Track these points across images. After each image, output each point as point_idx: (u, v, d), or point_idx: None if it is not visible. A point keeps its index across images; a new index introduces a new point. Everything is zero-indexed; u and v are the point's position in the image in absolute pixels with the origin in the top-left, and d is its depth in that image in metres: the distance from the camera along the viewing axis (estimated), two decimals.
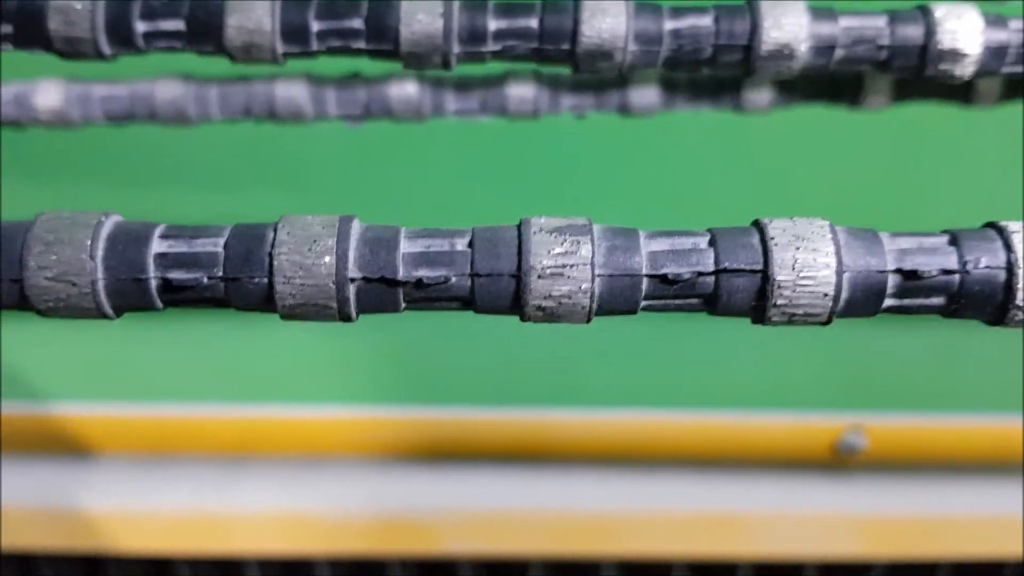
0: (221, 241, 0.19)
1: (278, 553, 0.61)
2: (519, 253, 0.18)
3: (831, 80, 0.38)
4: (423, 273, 0.18)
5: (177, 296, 0.19)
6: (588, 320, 0.19)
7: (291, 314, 0.19)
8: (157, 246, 0.19)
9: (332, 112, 0.39)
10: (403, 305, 0.19)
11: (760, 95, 0.39)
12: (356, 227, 0.19)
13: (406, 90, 0.39)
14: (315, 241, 0.18)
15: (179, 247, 0.19)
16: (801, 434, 0.62)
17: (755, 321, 0.19)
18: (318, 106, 0.39)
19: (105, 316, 0.19)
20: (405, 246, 0.19)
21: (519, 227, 0.19)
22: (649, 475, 0.62)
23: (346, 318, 0.19)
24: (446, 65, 0.27)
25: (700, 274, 0.18)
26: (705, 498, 0.62)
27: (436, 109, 0.39)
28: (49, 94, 0.39)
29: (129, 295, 0.19)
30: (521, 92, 0.39)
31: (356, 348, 0.62)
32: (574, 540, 0.62)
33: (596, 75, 0.36)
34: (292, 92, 0.39)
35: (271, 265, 0.18)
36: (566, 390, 0.62)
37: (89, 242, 0.18)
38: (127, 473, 0.62)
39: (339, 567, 0.63)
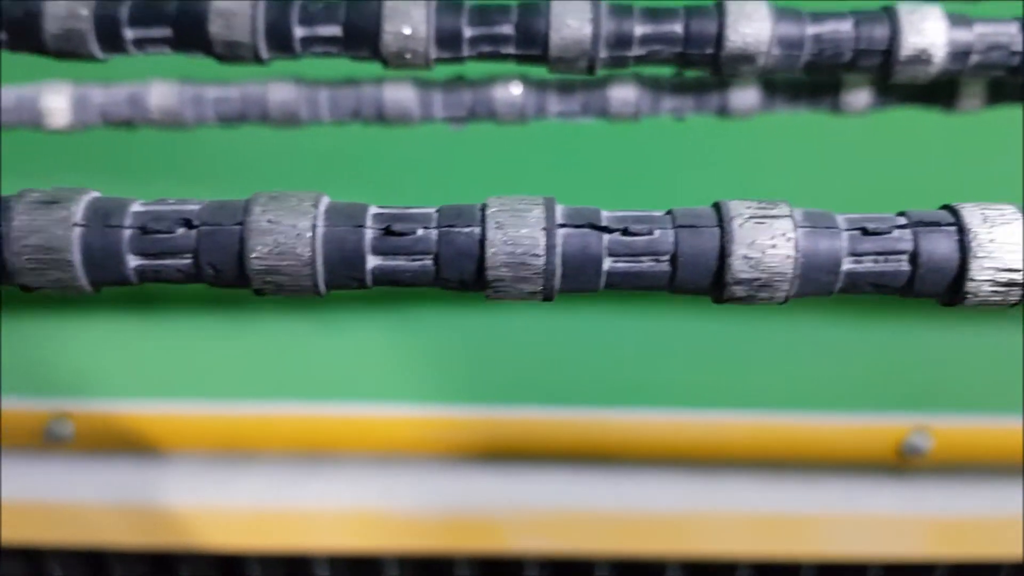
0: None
1: (347, 550, 0.62)
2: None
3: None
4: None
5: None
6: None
7: None
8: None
9: (438, 114, 0.40)
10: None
11: (858, 97, 0.39)
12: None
13: (511, 92, 0.40)
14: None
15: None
16: (866, 435, 0.62)
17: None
18: (424, 108, 0.40)
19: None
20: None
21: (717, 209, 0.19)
22: (714, 475, 0.63)
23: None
24: (590, 70, 0.28)
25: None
26: (770, 499, 0.62)
27: (539, 111, 0.40)
28: (164, 95, 0.40)
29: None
30: (623, 94, 0.40)
31: (426, 347, 0.63)
32: (639, 539, 0.62)
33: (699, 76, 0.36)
34: (400, 95, 0.40)
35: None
36: (631, 390, 0.63)
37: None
38: (200, 470, 0.63)
39: (407, 564, 0.64)
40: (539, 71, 0.32)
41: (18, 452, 0.63)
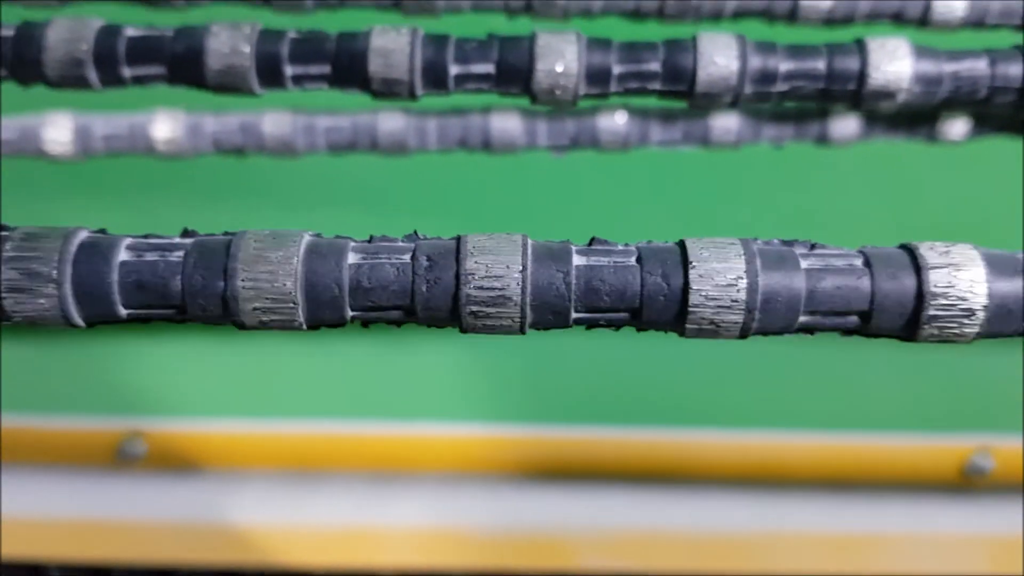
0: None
1: (415, 567, 0.62)
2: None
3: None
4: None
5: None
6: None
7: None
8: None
9: (542, 143, 0.41)
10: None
11: (955, 127, 0.40)
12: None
13: (615, 121, 0.41)
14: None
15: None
16: (931, 456, 0.63)
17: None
18: (529, 137, 0.41)
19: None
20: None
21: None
22: (780, 495, 0.63)
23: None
24: (734, 104, 0.29)
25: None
26: (837, 518, 0.63)
27: (641, 139, 0.41)
28: (277, 123, 0.41)
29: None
30: (725, 123, 0.40)
31: (495, 368, 0.64)
32: (704, 559, 0.63)
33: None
34: (507, 124, 0.41)
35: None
36: (698, 410, 0.64)
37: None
38: (270, 489, 0.63)
39: None
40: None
41: (91, 470, 0.64)
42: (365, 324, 0.22)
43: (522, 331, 0.20)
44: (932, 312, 0.19)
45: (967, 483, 0.63)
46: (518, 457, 0.64)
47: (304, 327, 0.20)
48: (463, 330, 0.21)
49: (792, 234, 0.23)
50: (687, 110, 0.41)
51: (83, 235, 0.21)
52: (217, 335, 0.64)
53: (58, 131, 0.42)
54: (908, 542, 0.63)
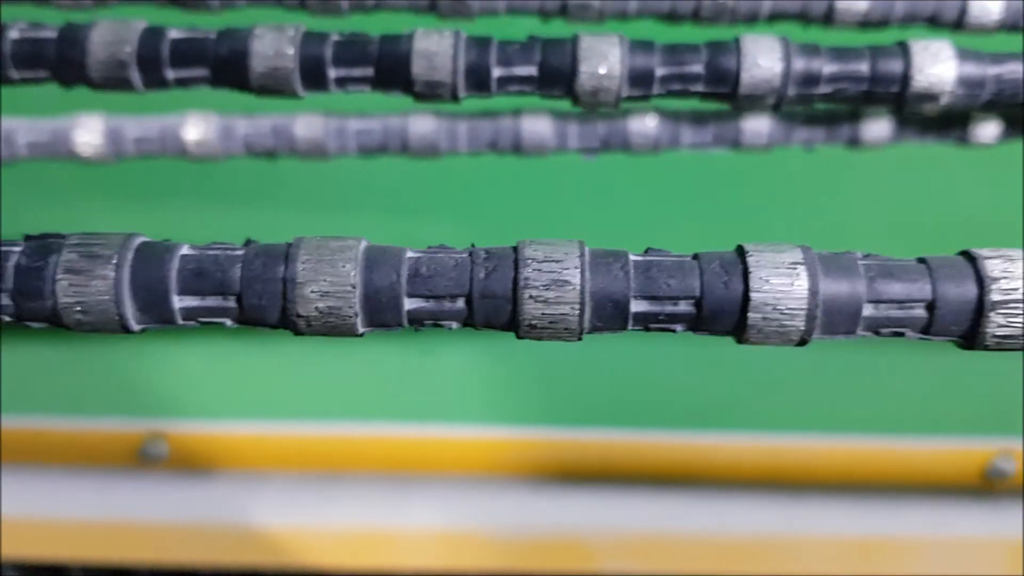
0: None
1: (433, 569, 0.62)
2: None
3: None
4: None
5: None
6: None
7: None
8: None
9: (572, 145, 0.42)
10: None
11: (987, 129, 0.40)
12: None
13: (646, 124, 0.41)
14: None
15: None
16: (952, 459, 0.63)
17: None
18: (560, 140, 0.41)
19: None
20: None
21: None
22: (802, 499, 0.63)
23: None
24: (776, 107, 0.29)
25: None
26: (857, 522, 0.63)
27: (672, 142, 0.41)
28: (309, 126, 0.41)
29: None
30: (756, 126, 0.41)
31: (515, 370, 0.64)
32: (724, 562, 0.63)
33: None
34: (537, 126, 0.41)
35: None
36: (719, 413, 0.64)
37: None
38: (291, 490, 0.63)
39: None
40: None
41: (113, 472, 0.64)
42: (419, 325, 0.22)
43: (580, 328, 0.20)
44: (994, 317, 0.19)
45: (988, 486, 0.63)
46: (536, 460, 0.64)
47: (358, 317, 0.20)
48: (519, 331, 0.21)
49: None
50: (718, 112, 0.41)
51: (142, 238, 0.21)
52: (239, 338, 0.64)
53: (90, 133, 0.42)
54: (929, 545, 0.63)
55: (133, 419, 0.63)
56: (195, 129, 0.42)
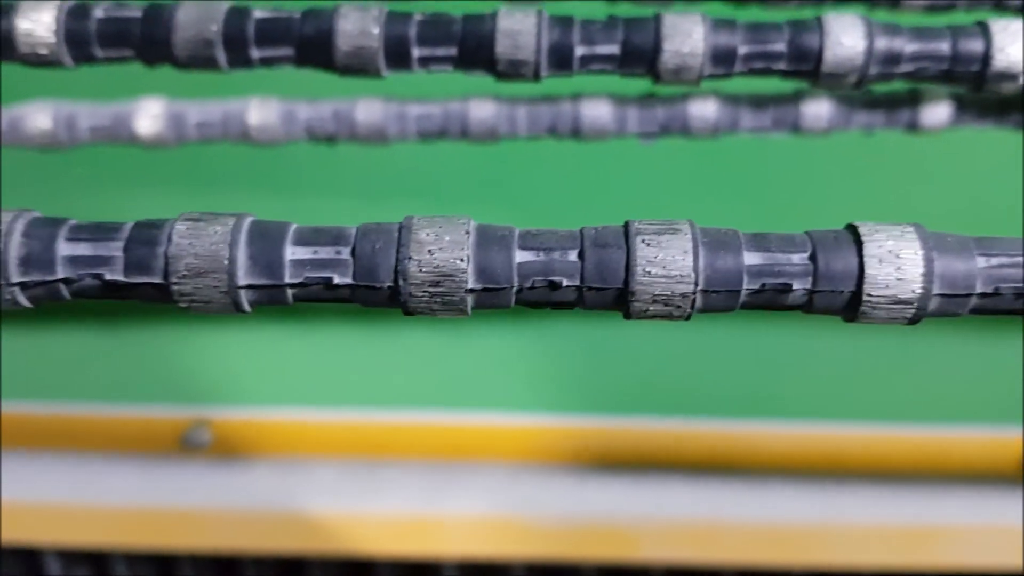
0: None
1: (478, 556, 0.63)
2: None
3: None
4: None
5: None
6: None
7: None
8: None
9: (632, 129, 0.42)
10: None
11: None
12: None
13: (707, 108, 0.41)
14: None
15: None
16: (989, 447, 0.63)
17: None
18: (619, 124, 0.42)
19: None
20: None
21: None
22: (839, 487, 0.64)
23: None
24: (858, 85, 0.29)
25: None
26: (895, 510, 0.63)
27: (731, 126, 0.41)
28: (370, 111, 0.42)
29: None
30: (816, 109, 0.41)
31: (558, 359, 0.64)
32: (764, 549, 0.63)
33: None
34: (597, 111, 0.41)
35: None
36: (758, 402, 0.64)
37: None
38: (335, 477, 0.64)
39: (535, 571, 0.65)
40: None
41: (157, 459, 0.64)
42: (530, 303, 0.22)
43: (691, 316, 0.20)
44: None
45: None
46: (579, 447, 0.64)
47: (469, 286, 0.20)
48: (626, 316, 0.21)
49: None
50: (777, 96, 0.41)
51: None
52: (282, 324, 0.65)
53: (151, 118, 0.42)
54: (965, 534, 0.63)
55: (177, 406, 0.64)
56: (257, 113, 0.42)
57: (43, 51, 0.30)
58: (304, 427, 0.64)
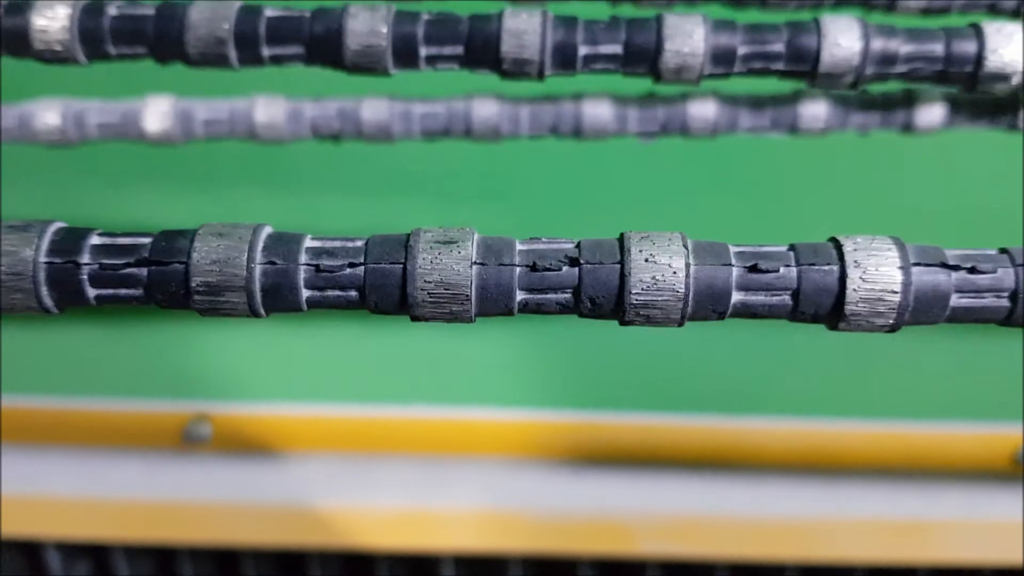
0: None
1: (474, 550, 0.63)
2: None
3: None
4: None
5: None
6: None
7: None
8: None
9: (632, 129, 0.42)
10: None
11: None
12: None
13: (706, 108, 0.42)
14: None
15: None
16: (981, 444, 0.64)
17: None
18: (620, 124, 0.42)
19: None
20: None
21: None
22: (834, 482, 0.64)
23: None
24: (854, 85, 0.30)
25: None
26: (891, 505, 0.64)
27: (730, 126, 0.42)
28: (375, 109, 0.42)
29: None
30: (813, 110, 0.41)
31: (555, 354, 0.65)
32: (759, 544, 0.64)
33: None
34: (598, 111, 0.42)
35: None
36: (755, 398, 0.65)
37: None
38: (333, 472, 0.64)
39: (531, 565, 0.66)
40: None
41: (157, 453, 0.65)
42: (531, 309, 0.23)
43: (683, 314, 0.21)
44: None
45: (1017, 470, 0.64)
46: (575, 442, 0.65)
47: (472, 301, 0.21)
48: (623, 320, 0.22)
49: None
50: (775, 97, 0.42)
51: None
52: (282, 321, 0.65)
53: (160, 115, 0.43)
54: (962, 529, 0.64)
55: (178, 400, 0.64)
56: (264, 112, 0.43)
57: (57, 48, 0.30)
58: (304, 422, 0.64)
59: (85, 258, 0.21)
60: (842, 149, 0.49)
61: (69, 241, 0.21)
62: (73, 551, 0.66)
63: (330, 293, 0.22)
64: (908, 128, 0.42)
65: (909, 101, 0.41)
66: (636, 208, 0.60)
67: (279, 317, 0.63)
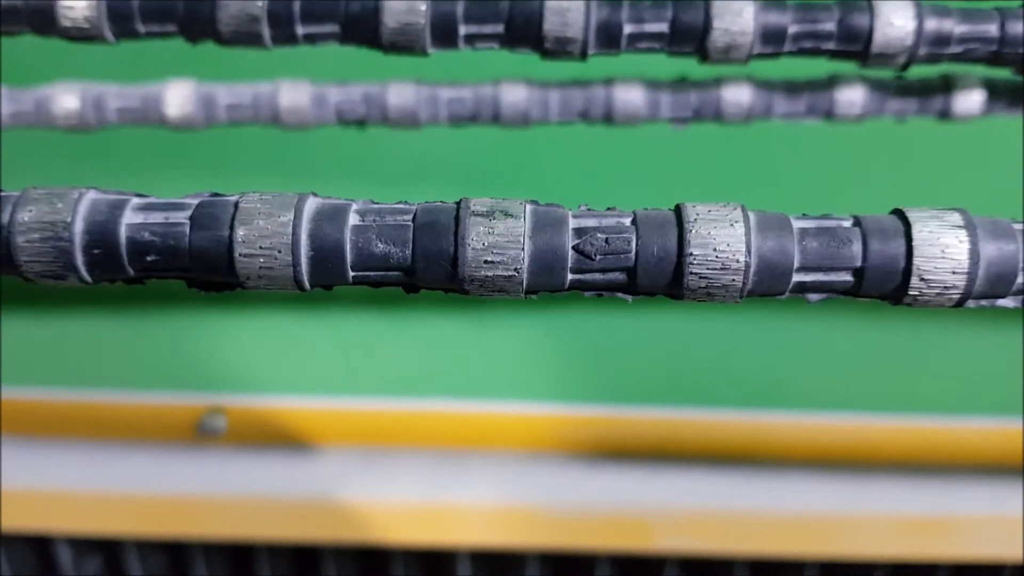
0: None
1: (491, 545, 0.63)
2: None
3: None
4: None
5: None
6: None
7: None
8: None
9: (665, 114, 0.42)
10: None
11: None
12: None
13: (741, 93, 0.41)
14: None
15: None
16: (1005, 439, 0.63)
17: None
18: (651, 109, 0.41)
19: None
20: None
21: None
22: (854, 477, 0.64)
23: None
24: (906, 66, 0.29)
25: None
26: (910, 501, 0.63)
27: (765, 112, 0.41)
28: (401, 94, 0.41)
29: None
30: (849, 96, 0.41)
31: (572, 348, 0.64)
32: (778, 540, 0.63)
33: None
34: (630, 96, 0.41)
35: None
36: (775, 392, 0.64)
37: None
38: (349, 465, 0.64)
39: (548, 561, 0.65)
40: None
41: (172, 446, 0.64)
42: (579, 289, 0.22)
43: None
44: None
45: None
46: (592, 436, 0.64)
47: (524, 267, 0.20)
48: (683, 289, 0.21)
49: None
50: (811, 82, 0.41)
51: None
52: (298, 312, 0.64)
53: (181, 100, 0.42)
54: (982, 525, 0.63)
55: (192, 393, 0.63)
56: (288, 96, 0.42)
57: (85, 25, 0.29)
58: (318, 415, 0.64)
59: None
60: (878, 135, 0.48)
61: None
62: (84, 546, 0.65)
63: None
64: (945, 115, 0.41)
65: (947, 87, 0.40)
66: (667, 195, 0.59)
67: (294, 307, 0.62)
